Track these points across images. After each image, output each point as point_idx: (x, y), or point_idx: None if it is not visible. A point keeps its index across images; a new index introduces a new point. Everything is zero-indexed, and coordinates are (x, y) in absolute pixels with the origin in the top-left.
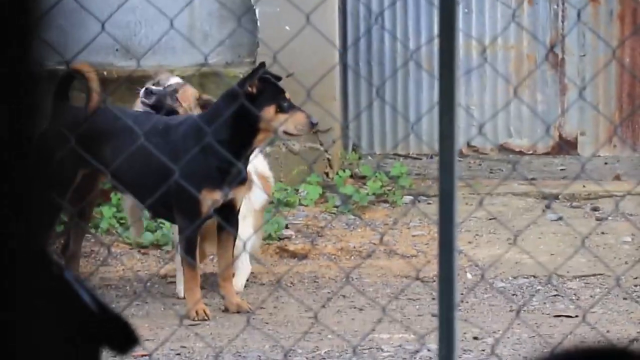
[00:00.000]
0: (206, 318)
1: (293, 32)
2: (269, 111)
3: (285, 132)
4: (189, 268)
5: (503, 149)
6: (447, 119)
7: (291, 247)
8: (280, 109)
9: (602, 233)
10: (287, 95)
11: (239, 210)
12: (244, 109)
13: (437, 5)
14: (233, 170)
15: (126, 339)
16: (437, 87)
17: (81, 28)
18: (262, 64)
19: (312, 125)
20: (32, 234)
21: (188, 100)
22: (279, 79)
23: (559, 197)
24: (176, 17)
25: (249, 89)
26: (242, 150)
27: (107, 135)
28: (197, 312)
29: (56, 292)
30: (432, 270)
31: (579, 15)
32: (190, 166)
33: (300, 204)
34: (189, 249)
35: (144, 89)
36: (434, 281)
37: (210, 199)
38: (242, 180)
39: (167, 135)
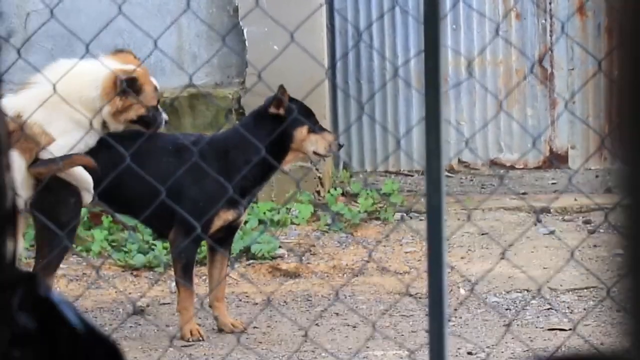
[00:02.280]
0: (200, 338)
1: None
2: (302, 131)
3: (315, 153)
4: (184, 288)
5: (494, 164)
6: (434, 136)
7: (283, 266)
8: (312, 130)
9: (594, 246)
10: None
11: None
12: (275, 129)
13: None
14: (255, 191)
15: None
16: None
17: (69, 52)
18: (282, 87)
19: (339, 147)
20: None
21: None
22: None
23: (551, 210)
24: (165, 39)
25: (280, 110)
26: (269, 171)
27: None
28: (191, 332)
29: (42, 313)
30: (424, 286)
31: (562, 28)
32: (212, 186)
33: (292, 223)
34: (186, 269)
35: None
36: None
37: (224, 219)
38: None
39: (180, 154)
